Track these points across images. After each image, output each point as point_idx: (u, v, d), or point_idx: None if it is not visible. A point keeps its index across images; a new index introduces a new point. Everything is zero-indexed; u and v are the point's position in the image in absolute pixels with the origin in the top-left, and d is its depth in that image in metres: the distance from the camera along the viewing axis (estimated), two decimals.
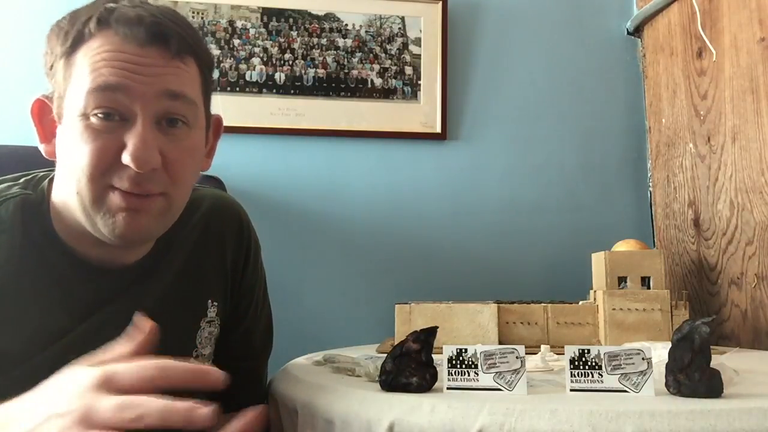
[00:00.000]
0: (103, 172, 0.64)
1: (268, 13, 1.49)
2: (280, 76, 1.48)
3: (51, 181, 0.74)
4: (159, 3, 1.37)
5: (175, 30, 0.67)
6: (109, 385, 0.47)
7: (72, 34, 0.66)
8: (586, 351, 0.67)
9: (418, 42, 1.53)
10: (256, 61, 1.47)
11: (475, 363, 0.68)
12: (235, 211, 0.89)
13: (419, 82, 1.52)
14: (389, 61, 1.52)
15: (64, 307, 0.70)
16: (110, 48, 0.64)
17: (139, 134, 0.64)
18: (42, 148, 0.71)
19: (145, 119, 0.65)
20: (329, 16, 1.52)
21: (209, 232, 0.83)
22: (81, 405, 0.46)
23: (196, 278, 0.81)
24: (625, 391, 0.65)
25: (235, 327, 0.87)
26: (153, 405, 0.45)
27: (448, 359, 0.69)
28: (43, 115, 0.70)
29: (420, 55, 1.53)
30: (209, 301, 0.82)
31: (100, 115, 0.64)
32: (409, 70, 1.53)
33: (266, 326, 0.94)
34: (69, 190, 0.67)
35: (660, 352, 0.73)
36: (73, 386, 0.48)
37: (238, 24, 1.48)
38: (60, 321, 0.69)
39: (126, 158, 0.64)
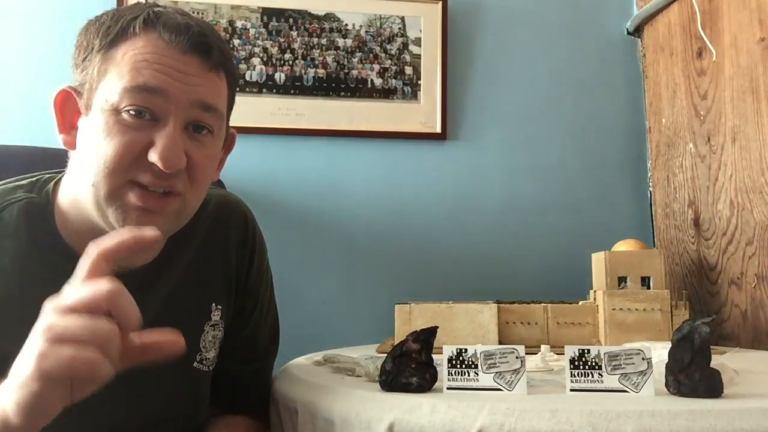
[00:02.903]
0: (126, 167, 0.65)
1: (268, 13, 1.49)
2: (280, 76, 1.48)
3: (56, 183, 0.74)
4: (160, 2, 1.37)
5: (216, 43, 0.70)
6: (59, 308, 0.50)
7: (114, 30, 0.67)
8: (586, 351, 0.67)
9: (418, 42, 1.53)
10: (256, 61, 1.47)
11: (475, 363, 0.68)
12: (240, 210, 0.88)
13: (419, 82, 1.52)
14: (389, 61, 1.52)
15: None
16: (153, 50, 0.66)
17: (169, 135, 0.65)
18: (61, 138, 0.71)
19: (176, 122, 0.66)
20: (329, 16, 1.52)
21: (214, 233, 0.83)
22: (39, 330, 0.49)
23: (201, 282, 0.81)
24: (625, 391, 0.65)
25: (241, 329, 0.87)
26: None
27: (448, 359, 0.69)
28: (66, 106, 0.71)
29: (420, 55, 1.53)
30: (213, 304, 0.82)
31: (132, 112, 0.65)
32: (409, 70, 1.53)
33: (272, 328, 0.94)
34: (84, 182, 0.67)
35: (660, 352, 0.73)
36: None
37: (238, 24, 1.48)
38: None
39: (153, 157, 0.65)
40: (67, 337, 0.48)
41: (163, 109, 0.66)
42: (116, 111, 0.65)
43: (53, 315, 0.50)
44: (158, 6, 0.70)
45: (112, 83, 0.65)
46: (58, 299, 0.51)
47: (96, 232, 0.69)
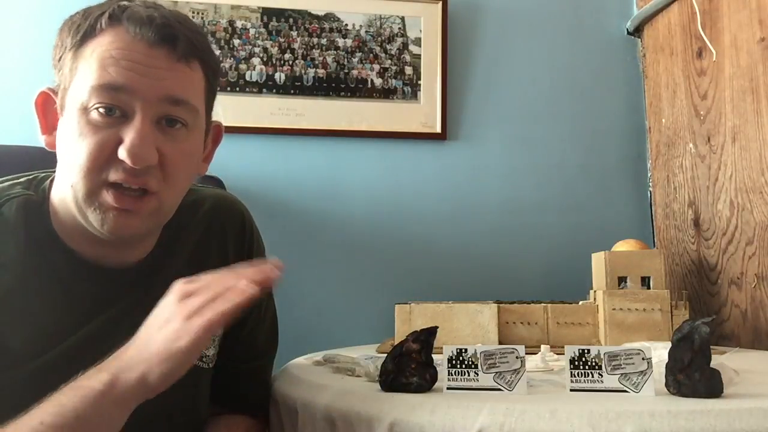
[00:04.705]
0: (100, 167, 0.65)
1: (268, 13, 1.49)
2: (280, 76, 1.48)
3: (52, 181, 0.74)
4: (159, 2, 1.37)
5: (183, 33, 0.68)
6: (187, 293, 0.61)
7: (83, 28, 0.67)
8: (586, 351, 0.67)
9: (418, 42, 1.53)
10: (256, 61, 1.47)
11: (475, 363, 0.68)
12: (237, 210, 0.88)
13: (419, 82, 1.52)
14: (389, 61, 1.52)
15: (66, 307, 0.70)
16: (119, 45, 0.65)
17: (137, 130, 0.65)
18: (43, 139, 0.72)
19: (145, 117, 0.66)
20: (329, 16, 1.52)
21: (211, 232, 0.83)
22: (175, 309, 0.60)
23: None
24: (625, 391, 0.65)
25: (240, 328, 0.87)
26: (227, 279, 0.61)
27: (448, 359, 0.69)
28: (47, 107, 0.71)
29: (420, 55, 1.53)
30: None
31: (101, 110, 0.65)
32: (409, 70, 1.53)
33: (271, 327, 0.93)
34: (65, 183, 0.67)
35: (660, 352, 0.73)
36: (160, 309, 0.61)
37: (238, 24, 1.48)
38: (63, 321, 0.69)
39: (122, 153, 0.64)
40: (195, 310, 0.59)
41: (131, 105, 0.65)
42: (86, 110, 0.65)
43: (180, 300, 0.60)
44: (125, 0, 0.69)
45: (81, 82, 0.66)
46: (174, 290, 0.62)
47: (82, 229, 0.69)
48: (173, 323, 0.58)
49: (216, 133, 0.80)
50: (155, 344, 0.58)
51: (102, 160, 0.65)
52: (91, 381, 0.57)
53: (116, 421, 0.58)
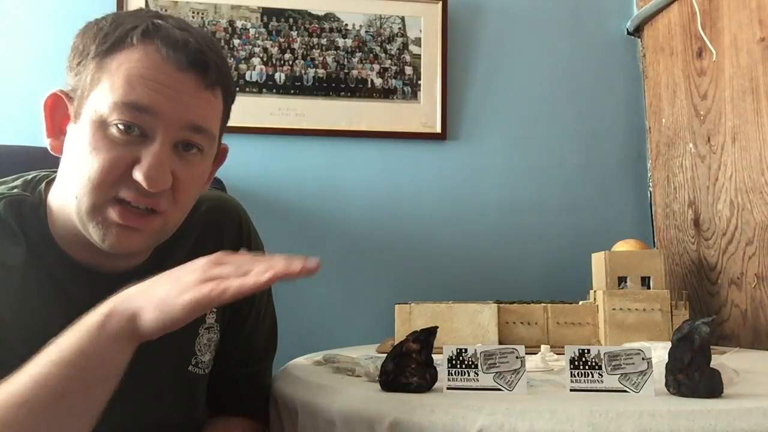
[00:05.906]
0: (110, 183, 0.64)
1: (268, 13, 1.49)
2: (280, 76, 1.48)
3: (49, 183, 0.73)
4: (159, 3, 1.37)
5: (213, 60, 0.68)
6: (218, 261, 0.59)
7: (112, 38, 0.65)
8: (586, 351, 0.67)
9: (418, 42, 1.53)
10: (256, 61, 1.47)
11: (475, 363, 0.68)
12: (234, 211, 0.87)
13: (419, 82, 1.52)
14: (389, 61, 1.52)
15: (62, 311, 0.69)
16: (149, 65, 0.64)
17: (156, 154, 0.64)
18: (48, 142, 0.70)
19: (165, 141, 0.65)
20: (329, 16, 1.52)
21: (207, 234, 0.82)
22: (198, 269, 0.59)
23: None
24: (625, 391, 0.65)
25: (238, 331, 0.86)
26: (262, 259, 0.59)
27: (448, 359, 0.69)
28: (56, 110, 0.69)
29: (420, 55, 1.53)
30: None
31: (120, 127, 0.64)
32: (409, 70, 1.53)
33: (270, 330, 0.93)
34: (69, 192, 0.66)
35: (660, 352, 0.73)
36: (187, 265, 0.60)
37: (238, 24, 1.48)
38: (59, 325, 0.69)
39: (138, 176, 0.64)
40: (214, 277, 0.57)
41: (153, 127, 0.64)
42: (104, 124, 0.64)
43: (207, 264, 0.59)
44: (159, 17, 0.68)
45: (103, 94, 0.64)
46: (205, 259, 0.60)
47: (80, 237, 0.68)
48: (187, 279, 0.58)
49: (221, 156, 0.79)
50: (161, 290, 0.58)
51: (113, 177, 0.64)
52: (93, 314, 0.58)
53: (115, 359, 0.58)
